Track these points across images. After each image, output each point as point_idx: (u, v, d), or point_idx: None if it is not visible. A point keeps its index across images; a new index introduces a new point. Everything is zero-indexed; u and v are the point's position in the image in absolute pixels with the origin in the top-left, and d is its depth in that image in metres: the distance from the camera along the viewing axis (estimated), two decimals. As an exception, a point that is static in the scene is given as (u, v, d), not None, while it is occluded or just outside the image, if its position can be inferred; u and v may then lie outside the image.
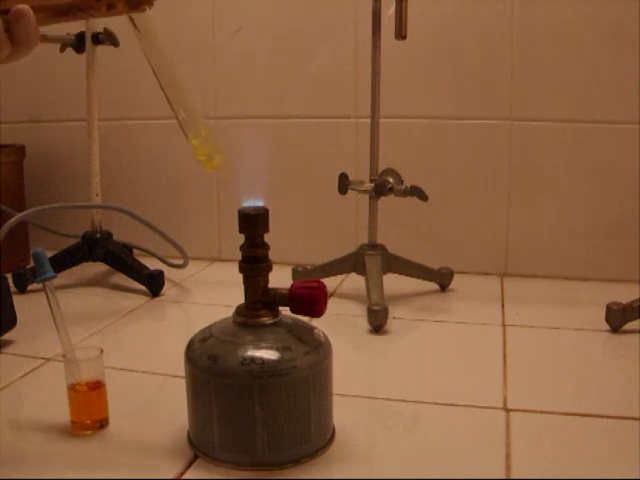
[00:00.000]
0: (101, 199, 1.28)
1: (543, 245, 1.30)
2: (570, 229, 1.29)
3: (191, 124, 0.58)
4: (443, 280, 1.22)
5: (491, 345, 0.95)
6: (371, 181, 1.12)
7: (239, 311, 0.66)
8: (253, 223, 0.63)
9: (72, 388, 0.69)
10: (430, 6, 1.24)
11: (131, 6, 0.51)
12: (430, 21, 1.26)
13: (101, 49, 1.23)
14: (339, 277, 1.25)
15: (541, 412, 0.74)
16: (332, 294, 1.20)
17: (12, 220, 1.09)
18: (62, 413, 0.69)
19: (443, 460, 0.64)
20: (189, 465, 0.63)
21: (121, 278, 1.28)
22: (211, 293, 1.23)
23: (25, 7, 0.45)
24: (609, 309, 0.99)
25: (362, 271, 1.13)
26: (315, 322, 0.71)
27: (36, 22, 0.46)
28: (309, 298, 0.63)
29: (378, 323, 1.00)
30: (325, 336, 0.67)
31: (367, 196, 1.13)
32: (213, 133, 0.59)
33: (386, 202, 1.13)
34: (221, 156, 0.59)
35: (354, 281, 1.21)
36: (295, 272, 1.21)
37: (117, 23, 1.23)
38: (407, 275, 1.18)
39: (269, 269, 0.65)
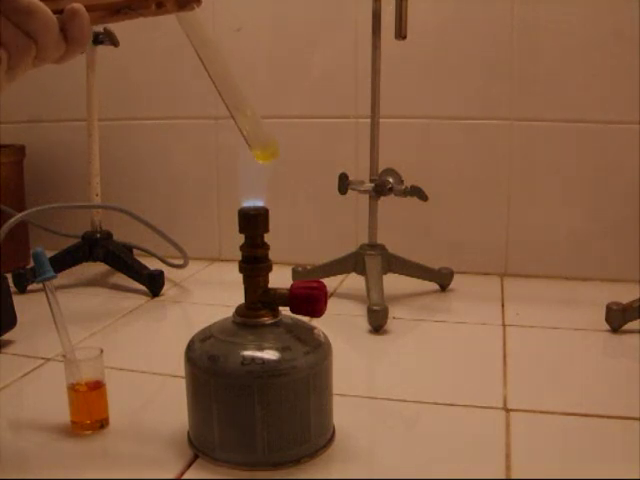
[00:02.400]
0: (101, 199, 1.28)
1: (543, 245, 1.30)
2: (570, 229, 1.29)
3: (242, 118, 0.58)
4: (443, 280, 1.22)
5: (491, 345, 0.95)
6: (371, 181, 1.12)
7: (239, 311, 0.66)
8: (253, 223, 0.63)
9: (72, 388, 0.69)
10: (430, 6, 1.24)
11: (180, 5, 0.51)
12: (430, 21, 1.26)
13: (101, 49, 1.23)
14: (339, 277, 1.25)
15: (541, 412, 0.74)
16: (332, 294, 1.20)
17: (12, 220, 1.09)
18: (62, 413, 0.69)
19: (443, 460, 0.64)
20: (189, 465, 0.63)
21: (121, 278, 1.28)
22: (211, 293, 1.23)
23: (79, 6, 0.45)
24: (609, 309, 0.99)
25: (362, 271, 1.13)
26: (315, 322, 0.71)
27: (89, 21, 0.46)
28: (309, 298, 0.63)
29: (378, 323, 1.00)
30: (325, 336, 0.67)
31: (367, 196, 1.13)
32: (262, 125, 0.59)
33: (386, 202, 1.13)
34: (274, 145, 0.60)
35: (354, 281, 1.21)
36: (295, 272, 1.21)
37: (117, 23, 1.23)
38: (407, 275, 1.18)
39: (269, 269, 0.65)
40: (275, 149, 0.60)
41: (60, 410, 0.70)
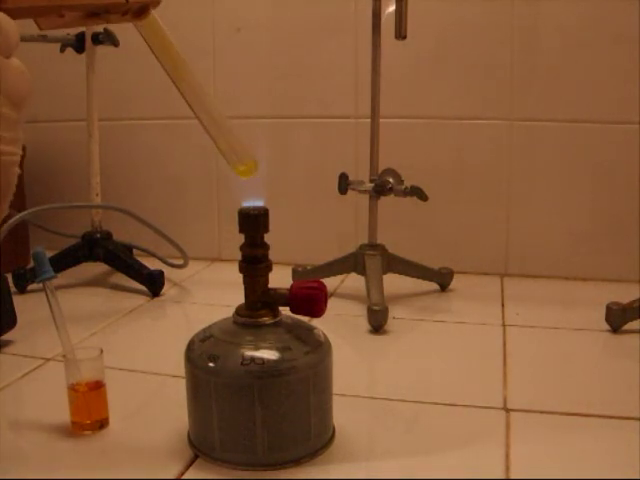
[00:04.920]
0: (101, 199, 1.28)
1: (543, 245, 1.30)
2: (570, 229, 1.29)
3: (214, 131, 0.58)
4: (443, 280, 1.22)
5: (491, 345, 0.95)
6: (371, 181, 1.12)
7: (239, 311, 0.66)
8: (253, 223, 0.63)
9: (72, 388, 0.69)
10: (430, 6, 1.24)
11: (136, 15, 0.51)
12: (430, 21, 1.26)
13: (101, 49, 1.23)
14: (339, 277, 1.25)
15: (541, 412, 0.74)
16: (332, 294, 1.20)
17: (12, 220, 1.09)
18: (62, 413, 0.69)
19: (443, 460, 0.64)
20: (189, 465, 0.63)
21: (121, 278, 1.28)
22: (211, 293, 1.23)
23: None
24: (609, 309, 0.99)
25: (362, 271, 1.13)
26: (315, 322, 0.71)
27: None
28: (309, 298, 0.63)
29: (378, 323, 1.00)
30: (325, 336, 0.67)
31: (367, 196, 1.13)
32: (238, 139, 0.59)
33: (386, 202, 1.13)
34: (253, 161, 0.60)
35: (354, 281, 1.21)
36: (295, 272, 1.21)
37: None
38: (407, 275, 1.18)
39: (269, 269, 0.65)
40: (254, 163, 0.60)
41: (60, 410, 0.70)
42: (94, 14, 0.48)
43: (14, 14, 0.36)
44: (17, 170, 0.37)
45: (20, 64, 0.35)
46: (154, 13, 0.52)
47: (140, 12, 0.51)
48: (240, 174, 0.60)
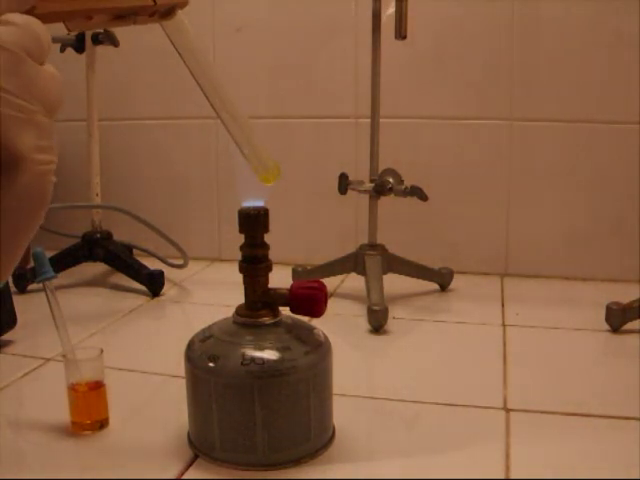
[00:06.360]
0: (101, 199, 1.28)
1: (543, 245, 1.30)
2: (570, 229, 1.29)
3: (238, 134, 0.58)
4: (443, 280, 1.22)
5: (491, 345, 0.95)
6: (371, 181, 1.12)
7: (239, 311, 0.66)
8: (253, 223, 0.63)
9: (72, 388, 0.69)
10: (430, 6, 1.24)
11: (163, 15, 0.51)
12: (430, 21, 1.26)
13: (101, 49, 1.23)
14: (339, 277, 1.25)
15: (541, 412, 0.74)
16: (332, 294, 1.20)
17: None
18: (62, 413, 0.69)
19: (443, 460, 0.64)
20: (189, 465, 0.63)
21: (121, 278, 1.28)
22: (211, 293, 1.23)
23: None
24: (609, 309, 0.99)
25: (362, 271, 1.13)
26: (315, 322, 0.71)
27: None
28: (309, 298, 0.63)
29: (378, 323, 1.00)
30: (325, 336, 0.67)
31: (367, 196, 1.13)
32: (260, 143, 0.59)
33: (386, 202, 1.13)
34: (276, 166, 0.60)
35: (354, 281, 1.21)
36: (295, 272, 1.21)
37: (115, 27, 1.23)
38: (407, 275, 1.18)
39: (269, 269, 0.65)
40: (277, 169, 0.60)
41: (60, 410, 0.70)
42: (121, 16, 0.48)
43: (44, 19, 0.36)
44: (53, 178, 0.37)
45: (53, 70, 0.35)
46: (180, 13, 0.52)
47: (167, 13, 0.51)
48: (263, 180, 0.60)
